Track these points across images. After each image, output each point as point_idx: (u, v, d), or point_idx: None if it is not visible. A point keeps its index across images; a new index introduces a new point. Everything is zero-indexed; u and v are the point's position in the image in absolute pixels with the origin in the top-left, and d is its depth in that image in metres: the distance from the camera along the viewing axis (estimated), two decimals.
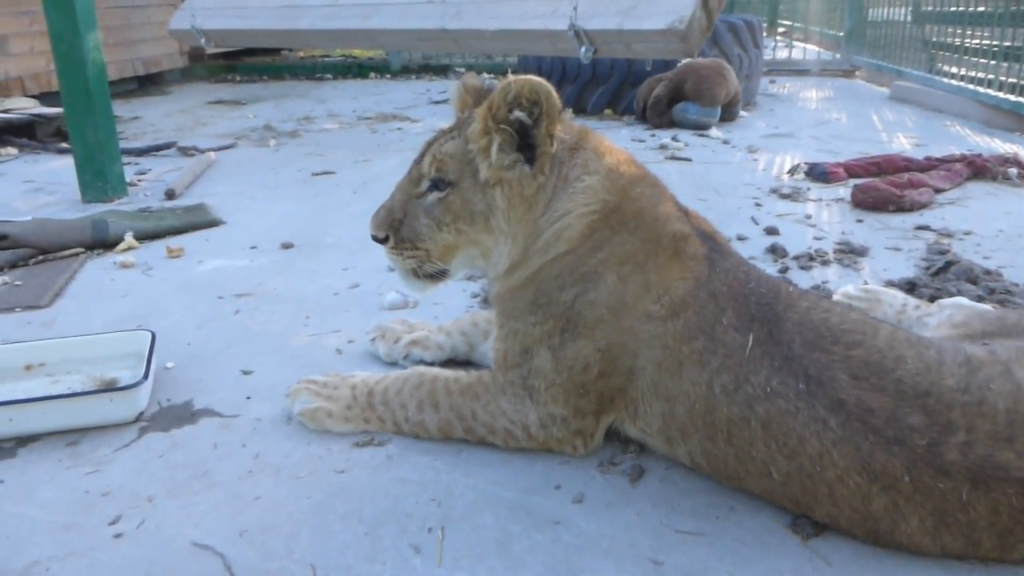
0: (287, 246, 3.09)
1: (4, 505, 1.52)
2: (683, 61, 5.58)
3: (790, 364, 1.39)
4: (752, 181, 4.09)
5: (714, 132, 5.43)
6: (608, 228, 1.59)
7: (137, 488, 1.56)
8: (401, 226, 1.70)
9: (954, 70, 6.52)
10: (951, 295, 2.33)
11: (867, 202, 3.51)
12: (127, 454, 1.68)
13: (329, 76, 9.39)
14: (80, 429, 1.76)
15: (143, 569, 1.34)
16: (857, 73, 8.99)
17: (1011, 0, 5.72)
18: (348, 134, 5.64)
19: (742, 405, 1.41)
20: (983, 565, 1.33)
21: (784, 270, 2.75)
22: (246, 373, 2.04)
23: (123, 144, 4.62)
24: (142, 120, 6.37)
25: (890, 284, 2.52)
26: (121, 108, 6.58)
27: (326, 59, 10.44)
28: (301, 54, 11.17)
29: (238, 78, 9.31)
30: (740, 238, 3.08)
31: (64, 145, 4.89)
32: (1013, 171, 3.99)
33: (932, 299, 2.29)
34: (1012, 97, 5.49)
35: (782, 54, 9.81)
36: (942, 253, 2.83)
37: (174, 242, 3.13)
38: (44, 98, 6.02)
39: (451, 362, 2.04)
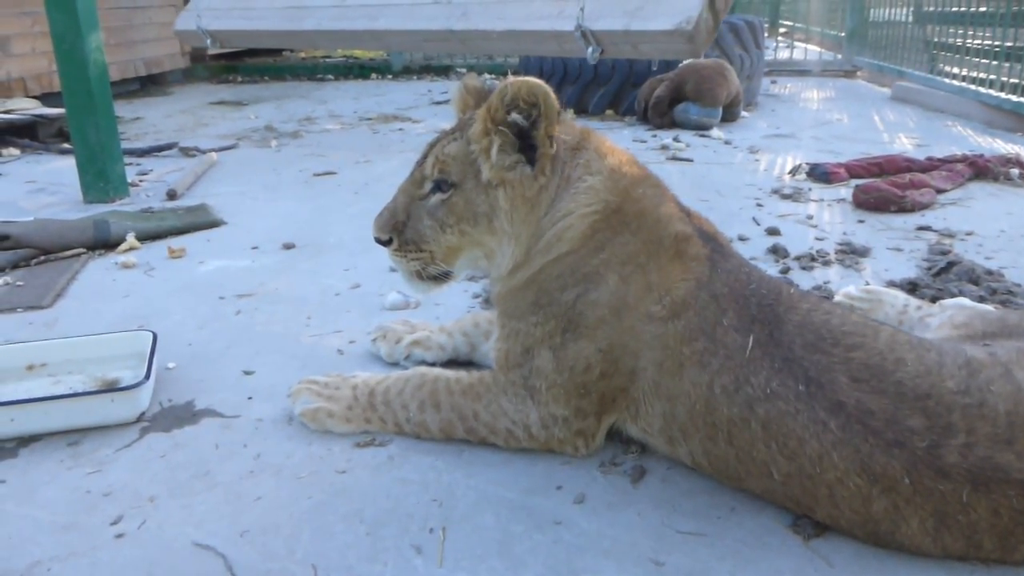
0: (288, 247, 3.09)
1: (6, 505, 1.52)
2: (684, 62, 5.58)
3: (790, 366, 1.40)
4: (753, 182, 4.09)
5: (715, 133, 5.43)
6: (610, 229, 1.59)
7: (138, 488, 1.56)
8: (405, 228, 1.70)
9: (956, 71, 6.51)
10: (953, 296, 2.33)
11: (869, 202, 3.50)
12: (128, 454, 1.69)
13: (330, 77, 9.40)
14: (82, 429, 1.76)
15: (144, 569, 1.34)
16: (858, 73, 8.99)
17: (1012, 0, 5.71)
18: (349, 135, 5.64)
19: (742, 406, 1.41)
20: (984, 566, 1.32)
21: (785, 271, 2.75)
22: (247, 373, 2.04)
23: (125, 145, 4.62)
24: (144, 121, 6.37)
25: (892, 285, 2.52)
26: (123, 109, 6.58)
27: (327, 60, 10.44)
28: (303, 55, 11.18)
29: (240, 79, 9.32)
30: (742, 239, 3.08)
31: (66, 146, 4.89)
32: (1015, 171, 3.99)
33: (934, 300, 2.29)
34: (1014, 97, 5.48)
35: (783, 55, 9.83)
36: (944, 254, 2.83)
37: (176, 242, 3.13)
38: (46, 99, 6.04)
39: (453, 362, 2.04)
